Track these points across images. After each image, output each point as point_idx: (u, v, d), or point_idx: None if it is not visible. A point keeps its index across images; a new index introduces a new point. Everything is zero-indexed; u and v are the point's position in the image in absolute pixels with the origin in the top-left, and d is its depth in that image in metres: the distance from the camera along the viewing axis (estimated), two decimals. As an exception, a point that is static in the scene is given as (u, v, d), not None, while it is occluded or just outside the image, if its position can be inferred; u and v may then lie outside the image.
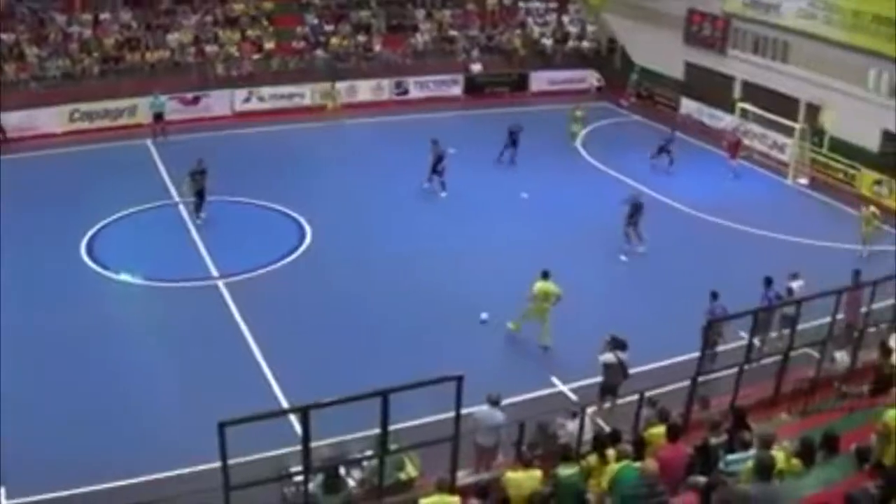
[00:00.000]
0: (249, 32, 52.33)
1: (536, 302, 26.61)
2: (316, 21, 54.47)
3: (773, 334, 25.57)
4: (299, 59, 52.34)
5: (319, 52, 52.80)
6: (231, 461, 13.28)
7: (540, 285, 26.53)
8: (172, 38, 49.92)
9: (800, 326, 20.81)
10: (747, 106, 46.80)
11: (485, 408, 19.21)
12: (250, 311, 28.10)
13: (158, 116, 44.88)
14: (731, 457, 14.49)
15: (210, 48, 50.54)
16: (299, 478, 15.30)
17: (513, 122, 43.46)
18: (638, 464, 14.30)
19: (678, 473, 14.84)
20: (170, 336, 26.91)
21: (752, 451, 13.91)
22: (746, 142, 45.57)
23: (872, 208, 34.83)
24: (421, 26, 57.06)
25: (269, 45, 52.17)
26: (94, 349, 25.71)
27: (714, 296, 25.09)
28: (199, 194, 34.52)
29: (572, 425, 18.77)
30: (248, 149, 43.64)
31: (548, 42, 59.00)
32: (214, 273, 30.79)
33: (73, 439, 21.10)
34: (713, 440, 15.88)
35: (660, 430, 16.11)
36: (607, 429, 18.37)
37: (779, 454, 13.40)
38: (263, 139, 45.67)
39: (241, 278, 30.42)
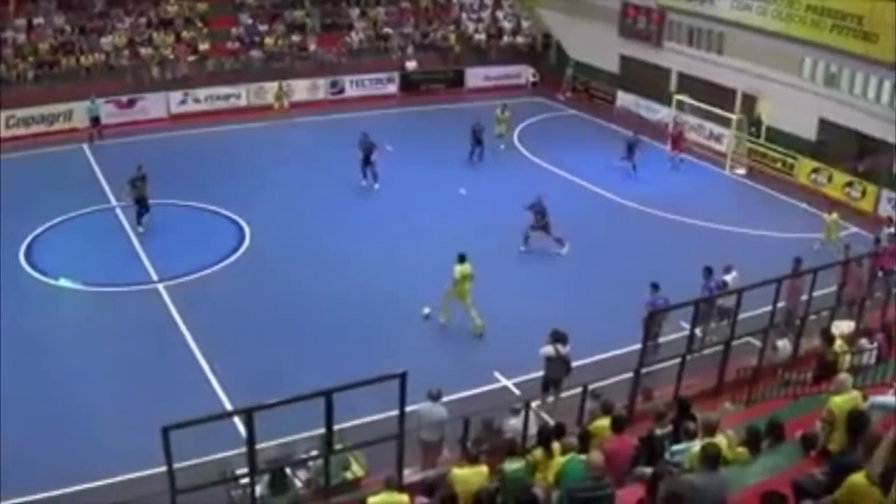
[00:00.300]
0: (184, 34, 51.91)
1: (458, 285, 27.14)
2: (250, 21, 54.18)
3: (713, 324, 25.68)
4: (234, 59, 51.94)
5: (254, 53, 52.49)
6: (176, 465, 13.22)
7: (459, 268, 27.13)
8: (106, 41, 49.43)
9: (741, 316, 21.04)
10: (684, 98, 47.03)
11: (426, 404, 19.23)
12: (190, 314, 27.87)
13: (95, 120, 44.43)
14: (676, 447, 14.55)
15: (144, 51, 50.08)
16: (245, 480, 15.26)
17: (474, 121, 43.35)
18: (583, 456, 14.29)
19: (624, 465, 14.89)
20: (111, 340, 26.52)
21: (697, 441, 13.96)
22: (685, 135, 45.71)
23: (835, 215, 34.82)
24: (355, 25, 56.97)
25: (203, 46, 51.74)
26: (34, 355, 25.31)
27: (655, 287, 25.11)
28: (140, 202, 33.82)
29: (516, 420, 18.79)
30: (185, 151, 43.29)
31: (482, 38, 59.09)
32: (154, 276, 30.49)
33: (12, 446, 20.53)
34: (658, 431, 15.93)
35: (604, 422, 16.16)
36: (552, 422, 18.39)
37: (721, 441, 13.46)
38: (200, 141, 45.29)
39: (181, 281, 30.14)
